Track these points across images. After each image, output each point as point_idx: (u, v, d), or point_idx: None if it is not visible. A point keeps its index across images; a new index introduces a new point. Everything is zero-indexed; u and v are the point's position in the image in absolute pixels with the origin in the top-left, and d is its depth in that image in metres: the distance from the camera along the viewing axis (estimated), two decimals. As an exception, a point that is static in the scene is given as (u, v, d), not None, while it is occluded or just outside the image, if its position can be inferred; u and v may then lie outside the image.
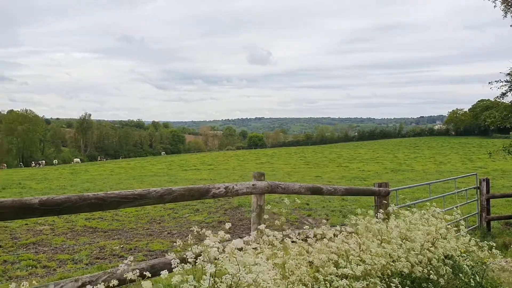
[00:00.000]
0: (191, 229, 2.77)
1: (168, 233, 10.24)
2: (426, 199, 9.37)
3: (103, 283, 2.70)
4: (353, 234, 4.13)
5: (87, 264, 7.55)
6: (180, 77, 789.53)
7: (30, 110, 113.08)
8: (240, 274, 2.27)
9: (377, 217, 4.65)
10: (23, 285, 2.27)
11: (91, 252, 8.37)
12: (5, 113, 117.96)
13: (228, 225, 2.85)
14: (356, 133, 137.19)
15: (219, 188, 4.09)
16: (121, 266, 2.72)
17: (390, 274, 3.55)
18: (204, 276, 2.29)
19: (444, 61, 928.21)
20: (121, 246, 8.87)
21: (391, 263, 3.63)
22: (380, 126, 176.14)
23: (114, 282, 2.43)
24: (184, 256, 2.54)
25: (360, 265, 3.37)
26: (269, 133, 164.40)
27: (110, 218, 12.01)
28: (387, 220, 4.59)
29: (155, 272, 3.22)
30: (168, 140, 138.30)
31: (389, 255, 3.66)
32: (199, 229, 2.63)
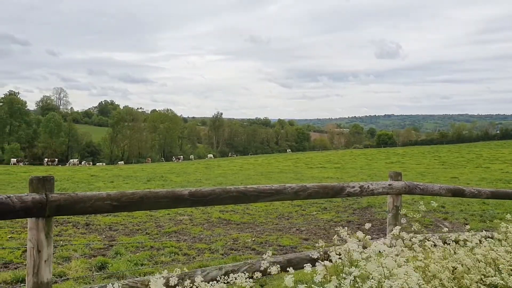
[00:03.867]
0: (336, 228, 2.78)
1: (297, 229, 10.38)
2: None
3: (243, 273, 2.85)
4: (502, 241, 3.77)
5: (222, 254, 7.97)
6: (304, 74, 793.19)
7: (170, 110, 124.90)
8: (384, 277, 2.21)
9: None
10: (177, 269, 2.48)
11: (226, 243, 8.82)
12: (149, 112, 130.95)
13: (368, 225, 2.81)
14: (498, 131, 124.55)
15: (354, 187, 4.04)
16: (261, 259, 2.83)
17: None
18: (344, 275, 2.29)
19: None
20: (253, 239, 9.21)
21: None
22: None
23: (258, 274, 2.55)
24: (325, 254, 2.56)
25: (512, 275, 3.06)
26: (399, 131, 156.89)
27: (242, 211, 12.56)
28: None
29: (292, 266, 3.31)
30: (293, 137, 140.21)
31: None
32: (344, 229, 2.63)
